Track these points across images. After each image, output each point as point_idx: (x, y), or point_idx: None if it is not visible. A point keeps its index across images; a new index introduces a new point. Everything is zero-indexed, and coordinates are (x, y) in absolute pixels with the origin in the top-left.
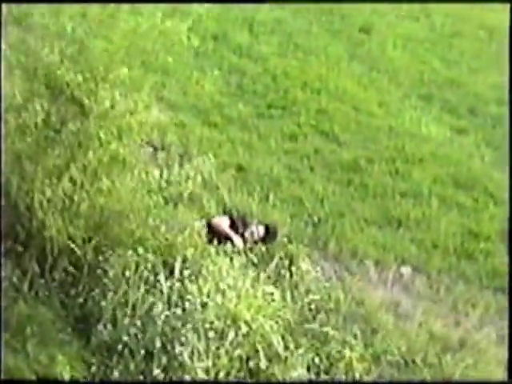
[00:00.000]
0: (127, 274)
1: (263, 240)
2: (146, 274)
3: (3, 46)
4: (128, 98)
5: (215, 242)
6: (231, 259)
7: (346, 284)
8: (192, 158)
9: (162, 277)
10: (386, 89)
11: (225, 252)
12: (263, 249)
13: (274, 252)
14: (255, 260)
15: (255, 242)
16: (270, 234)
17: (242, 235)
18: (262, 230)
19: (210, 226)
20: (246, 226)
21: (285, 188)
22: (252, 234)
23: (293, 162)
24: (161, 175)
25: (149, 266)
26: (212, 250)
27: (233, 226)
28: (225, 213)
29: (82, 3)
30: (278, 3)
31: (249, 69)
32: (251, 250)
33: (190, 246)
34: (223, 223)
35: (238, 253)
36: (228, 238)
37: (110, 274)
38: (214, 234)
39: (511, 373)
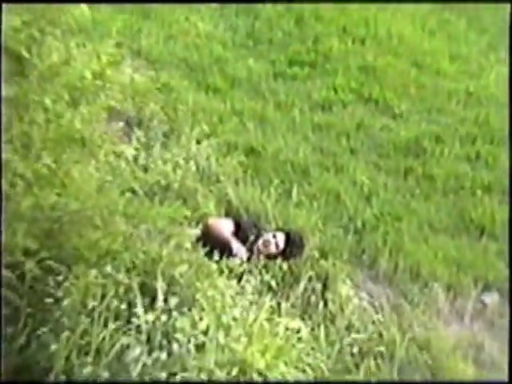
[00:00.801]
0: (89, 303)
1: (284, 254)
2: (116, 303)
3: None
4: (88, 50)
5: (216, 255)
6: (239, 280)
7: (403, 317)
8: (182, 137)
9: (139, 307)
10: (462, 36)
11: (230, 270)
12: (284, 266)
13: (299, 271)
14: (273, 283)
15: (272, 257)
16: (293, 245)
17: (251, 246)
18: (281, 240)
19: (205, 231)
20: (258, 233)
21: (314, 179)
22: (267, 244)
23: (326, 143)
24: (136, 161)
25: (121, 291)
26: (212, 266)
27: (238, 232)
28: (228, 214)
29: (81, 3)
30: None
31: (263, 8)
32: (266, 267)
33: (180, 261)
34: (224, 227)
35: (250, 272)
36: (229, 248)
37: (65, 303)
38: (211, 242)
39: (511, 373)
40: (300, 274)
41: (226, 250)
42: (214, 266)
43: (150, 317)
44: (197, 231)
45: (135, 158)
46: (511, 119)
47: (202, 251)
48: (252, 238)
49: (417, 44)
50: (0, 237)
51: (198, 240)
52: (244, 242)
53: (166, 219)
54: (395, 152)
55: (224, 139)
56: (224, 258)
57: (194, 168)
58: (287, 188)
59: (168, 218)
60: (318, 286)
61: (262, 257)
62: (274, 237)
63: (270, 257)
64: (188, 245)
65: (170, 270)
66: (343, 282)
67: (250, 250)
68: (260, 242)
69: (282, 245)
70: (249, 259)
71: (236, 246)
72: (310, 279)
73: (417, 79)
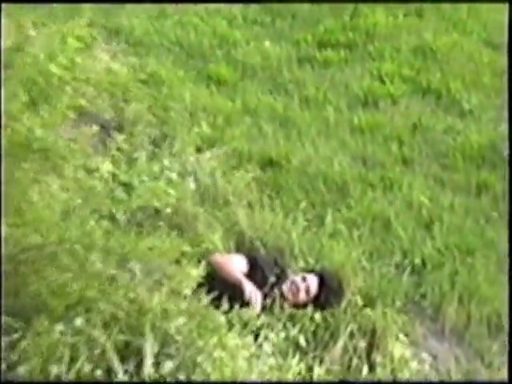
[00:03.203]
0: (53, 369)
1: (316, 301)
2: (89, 368)
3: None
4: (51, 31)
5: (224, 303)
6: (255, 337)
7: None
8: (176, 145)
9: (120, 374)
10: None
11: (243, 324)
12: (317, 317)
13: (337, 324)
14: (302, 340)
15: (300, 305)
16: (328, 289)
17: (272, 291)
18: (313, 283)
19: (210, 271)
20: (280, 274)
21: (355, 200)
22: (294, 289)
23: (370, 150)
24: (116, 177)
25: (96, 352)
26: (218, 319)
27: (253, 273)
28: (240, 249)
29: (81, 3)
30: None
31: None
32: (293, 319)
33: (176, 312)
34: (234, 266)
35: (270, 326)
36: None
37: (21, 370)
38: (218, 286)
39: (511, 373)
40: (338, 327)
41: (237, 297)
42: (222, 319)
43: None
44: (198, 272)
45: (114, 175)
46: (510, 119)
47: (205, 298)
48: (272, 280)
49: (491, 17)
50: None
51: (199, 284)
52: (261, 285)
53: (156, 256)
54: (464, 162)
55: (233, 147)
56: (235, 308)
57: (192, 186)
58: (319, 213)
59: (160, 255)
60: (362, 345)
61: (286, 305)
62: (304, 279)
63: (298, 306)
64: (187, 290)
65: (163, 324)
66: (396, 339)
67: (271, 297)
68: (284, 286)
69: (314, 290)
70: (269, 309)
71: (250, 290)
72: (351, 335)
73: (492, 64)
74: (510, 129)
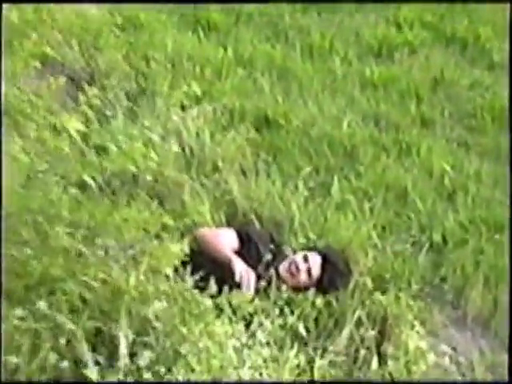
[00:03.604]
0: (12, 360)
1: (319, 284)
2: (54, 359)
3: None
4: None
5: (212, 285)
6: (247, 325)
7: None
8: (157, 101)
9: (90, 366)
10: None
11: (233, 309)
12: (319, 302)
13: (343, 310)
14: (301, 328)
15: (301, 289)
16: (333, 270)
17: (267, 271)
18: (315, 263)
19: (195, 248)
20: (277, 251)
21: (366, 167)
22: (293, 270)
23: (383, 108)
24: (87, 138)
25: (62, 341)
26: (205, 303)
27: (246, 250)
28: (231, 222)
29: (81, 3)
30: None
31: None
32: (291, 304)
33: (156, 294)
34: (224, 242)
35: (265, 312)
36: (230, 272)
37: None
38: (205, 265)
39: (511, 373)
40: (344, 314)
41: (226, 278)
42: (209, 303)
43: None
44: (182, 248)
45: (84, 135)
46: (511, 119)
47: (189, 279)
48: (268, 258)
49: None
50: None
51: (183, 263)
52: (255, 264)
53: (134, 229)
54: (493, 123)
55: (223, 104)
56: (224, 290)
57: (176, 149)
58: (323, 181)
59: (137, 228)
60: (371, 334)
61: (284, 288)
62: (305, 259)
63: (298, 289)
64: (168, 269)
65: (141, 309)
66: (411, 328)
67: (266, 278)
68: (282, 266)
69: (316, 271)
70: (263, 292)
71: (242, 270)
72: (358, 323)
73: None
74: (510, 133)
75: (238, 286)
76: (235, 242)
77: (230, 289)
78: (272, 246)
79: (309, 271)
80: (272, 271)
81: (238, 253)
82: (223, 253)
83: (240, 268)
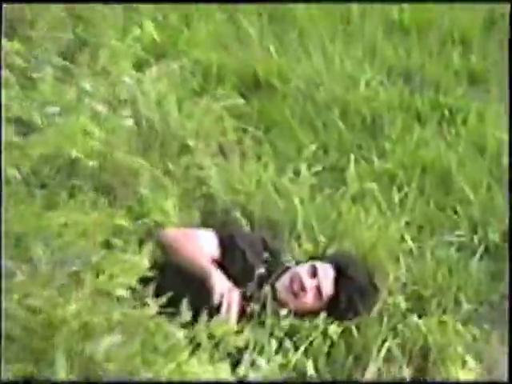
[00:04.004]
0: None
1: (333, 306)
2: None
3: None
4: None
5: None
6: (235, 365)
7: None
8: (100, 57)
9: None
10: None
11: (215, 343)
12: (333, 330)
13: (367, 340)
14: (310, 368)
15: (308, 313)
16: (350, 286)
17: (260, 289)
18: (327, 277)
19: (161, 255)
20: (274, 260)
21: (395, 138)
22: (296, 288)
23: (418, 60)
24: (6, 111)
25: None
26: (175, 335)
27: (228, 259)
28: (207, 223)
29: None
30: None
31: None
32: (293, 335)
33: (107, 325)
34: (197, 247)
35: (256, 348)
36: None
37: None
38: (174, 280)
39: (511, 373)
40: (368, 347)
41: (204, 299)
42: (181, 335)
43: None
44: (142, 259)
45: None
46: (511, 119)
47: (153, 303)
48: (261, 271)
49: None
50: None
51: (144, 280)
52: (242, 280)
53: (74, 236)
54: None
55: (195, 60)
56: (202, 317)
57: (130, 124)
58: (335, 162)
59: (79, 234)
60: (407, 372)
61: (284, 313)
62: (313, 273)
63: (304, 313)
64: (122, 290)
65: (86, 347)
66: (462, 364)
67: (258, 300)
68: (281, 282)
69: (328, 288)
70: (257, 318)
71: (222, 288)
72: (388, 358)
73: None
74: (510, 128)
75: (218, 309)
76: (215, 248)
77: (210, 315)
78: (266, 255)
79: (318, 289)
80: (267, 289)
81: (219, 264)
82: (198, 264)
83: (220, 286)
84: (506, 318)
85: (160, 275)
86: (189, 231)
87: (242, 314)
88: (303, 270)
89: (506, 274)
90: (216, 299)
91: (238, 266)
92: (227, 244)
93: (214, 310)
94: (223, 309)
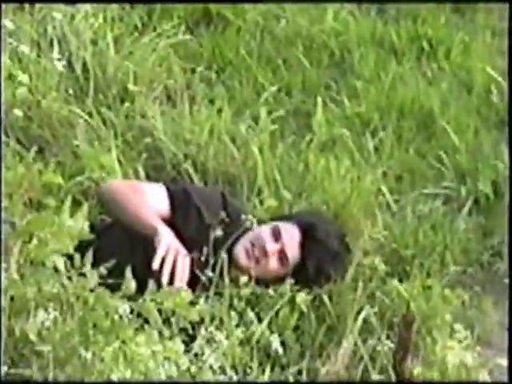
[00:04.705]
0: None
1: (300, 271)
2: None
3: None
4: None
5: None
6: (191, 341)
7: None
8: None
9: None
10: None
11: (165, 320)
12: (301, 299)
13: (341, 309)
14: (275, 343)
15: (270, 280)
16: (319, 248)
17: (216, 250)
18: (292, 239)
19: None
20: (232, 221)
21: (369, 75)
22: (256, 251)
23: None
24: None
25: None
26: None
27: (177, 216)
28: (155, 177)
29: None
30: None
31: None
32: (257, 304)
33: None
34: (145, 200)
35: (213, 322)
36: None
37: None
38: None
39: (511, 373)
40: (342, 316)
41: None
42: (126, 309)
43: None
44: (79, 222)
45: None
46: (510, 118)
47: (92, 273)
48: (218, 233)
49: None
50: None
51: (81, 246)
52: (195, 242)
53: None
54: None
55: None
56: (150, 287)
57: (60, 67)
58: (299, 105)
59: (5, 194)
60: (387, 345)
61: (243, 280)
62: (275, 234)
63: (267, 281)
64: (58, 258)
65: (15, 324)
66: (450, 333)
67: (213, 265)
68: (240, 246)
69: (293, 252)
70: (214, 287)
71: (167, 245)
72: (366, 328)
73: None
74: (509, 131)
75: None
76: (165, 204)
77: (158, 284)
78: (223, 214)
79: (282, 253)
80: (223, 255)
81: (169, 223)
82: (145, 220)
83: (165, 245)
84: (498, 280)
85: (100, 240)
86: (135, 183)
87: (196, 283)
88: (265, 232)
89: (498, 229)
90: (158, 257)
91: (192, 227)
92: (180, 199)
93: (155, 275)
94: (164, 273)
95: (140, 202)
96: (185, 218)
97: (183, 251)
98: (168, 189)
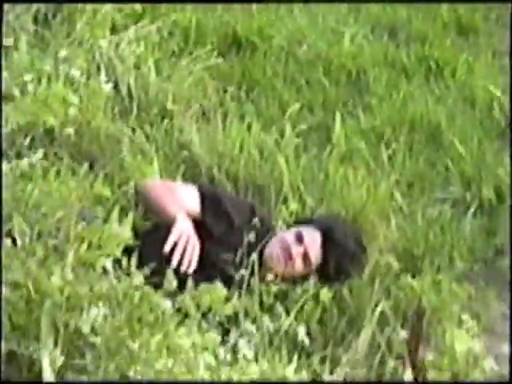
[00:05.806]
0: None
1: (323, 269)
2: None
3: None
4: None
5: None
6: (226, 333)
7: None
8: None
9: None
10: None
11: (203, 315)
12: (324, 295)
13: (360, 303)
14: (301, 333)
15: (296, 278)
16: (339, 249)
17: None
18: (314, 241)
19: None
20: (262, 226)
21: (382, 94)
22: (280, 254)
23: (403, 14)
24: None
25: None
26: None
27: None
28: (189, 178)
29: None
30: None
31: None
32: (285, 299)
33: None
34: (177, 199)
35: (247, 315)
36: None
37: None
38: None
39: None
40: (361, 310)
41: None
42: (168, 305)
43: None
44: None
45: None
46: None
47: (137, 273)
48: (250, 238)
49: None
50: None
51: (127, 249)
52: (224, 241)
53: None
54: None
55: (172, 20)
56: (189, 285)
57: (107, 89)
58: (320, 120)
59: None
60: (402, 335)
61: (270, 278)
62: (298, 239)
63: (293, 278)
64: (107, 261)
65: (71, 320)
66: (458, 324)
67: (244, 266)
68: (268, 249)
69: (315, 252)
70: (246, 285)
71: (180, 230)
72: (382, 320)
73: None
74: (510, 127)
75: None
76: (195, 203)
77: (196, 283)
78: (255, 221)
79: (305, 256)
80: (255, 257)
81: (198, 221)
82: (169, 210)
83: (179, 229)
84: (501, 275)
85: (144, 244)
86: (169, 182)
87: (231, 281)
88: (290, 237)
89: (500, 230)
90: (168, 245)
91: (222, 227)
92: (210, 201)
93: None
94: (174, 257)
95: (170, 197)
96: (214, 218)
97: (194, 239)
98: (200, 190)
